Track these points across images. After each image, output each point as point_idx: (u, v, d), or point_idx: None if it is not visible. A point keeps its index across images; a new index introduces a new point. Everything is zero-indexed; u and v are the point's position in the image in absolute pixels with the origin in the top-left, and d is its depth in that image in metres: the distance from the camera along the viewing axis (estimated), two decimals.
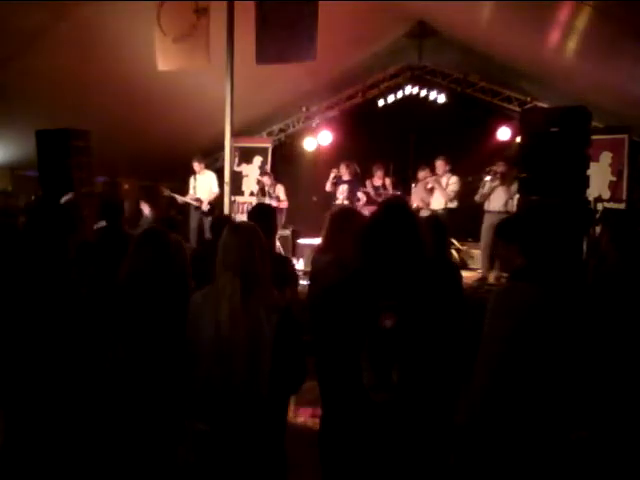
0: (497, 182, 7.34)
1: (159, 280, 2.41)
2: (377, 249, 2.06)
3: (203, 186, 8.67)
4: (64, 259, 2.59)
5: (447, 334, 2.04)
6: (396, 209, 2.16)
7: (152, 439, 2.36)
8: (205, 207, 8.57)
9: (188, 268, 2.56)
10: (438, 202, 7.88)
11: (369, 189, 8.77)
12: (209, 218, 8.50)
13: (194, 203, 8.61)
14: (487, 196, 7.43)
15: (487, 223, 7.47)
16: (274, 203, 8.56)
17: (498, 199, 7.37)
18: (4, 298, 2.47)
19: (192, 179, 8.75)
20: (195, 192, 8.68)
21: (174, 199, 8.86)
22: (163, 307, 2.39)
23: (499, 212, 7.25)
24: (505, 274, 2.76)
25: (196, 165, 8.66)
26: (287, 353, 2.21)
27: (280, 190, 8.90)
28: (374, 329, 1.95)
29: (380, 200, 8.52)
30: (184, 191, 8.83)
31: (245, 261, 2.21)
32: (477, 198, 7.60)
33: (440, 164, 7.91)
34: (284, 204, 8.87)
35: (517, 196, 7.34)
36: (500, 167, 7.41)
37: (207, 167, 8.96)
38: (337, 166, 8.86)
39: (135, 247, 2.49)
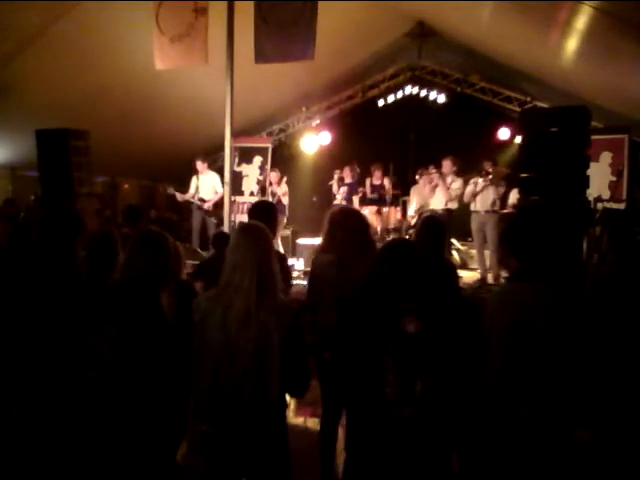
0: (487, 182, 7.37)
1: (154, 280, 2.40)
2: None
3: (206, 186, 8.69)
4: (73, 260, 2.60)
5: (458, 338, 2.04)
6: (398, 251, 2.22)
7: (156, 441, 2.35)
8: (207, 206, 8.61)
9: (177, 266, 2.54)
10: (438, 201, 7.89)
11: (367, 188, 8.79)
12: (212, 218, 8.55)
13: (198, 203, 8.65)
14: (474, 197, 7.46)
15: (475, 223, 7.52)
16: (280, 197, 8.67)
17: (486, 199, 7.39)
18: (14, 301, 2.48)
19: (194, 178, 8.77)
20: (198, 192, 8.71)
21: (174, 198, 8.89)
22: (158, 307, 2.38)
23: (486, 212, 7.32)
24: (505, 274, 2.76)
25: (199, 164, 8.68)
26: (295, 355, 2.19)
27: (284, 185, 8.98)
28: (398, 335, 1.94)
29: (378, 199, 8.60)
30: (184, 191, 8.85)
31: (260, 261, 2.18)
32: (465, 198, 7.63)
33: (447, 164, 7.91)
34: (286, 199, 8.93)
35: (513, 195, 7.39)
36: (489, 167, 7.43)
37: (208, 167, 8.98)
38: (337, 166, 8.88)
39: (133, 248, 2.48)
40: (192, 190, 8.72)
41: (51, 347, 2.41)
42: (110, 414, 2.30)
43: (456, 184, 7.77)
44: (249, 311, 2.13)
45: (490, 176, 7.35)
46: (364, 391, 2.10)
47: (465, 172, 8.09)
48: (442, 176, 7.89)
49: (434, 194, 8.00)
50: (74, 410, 2.38)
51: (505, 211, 7.48)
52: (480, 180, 7.44)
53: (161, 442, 2.36)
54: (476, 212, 7.49)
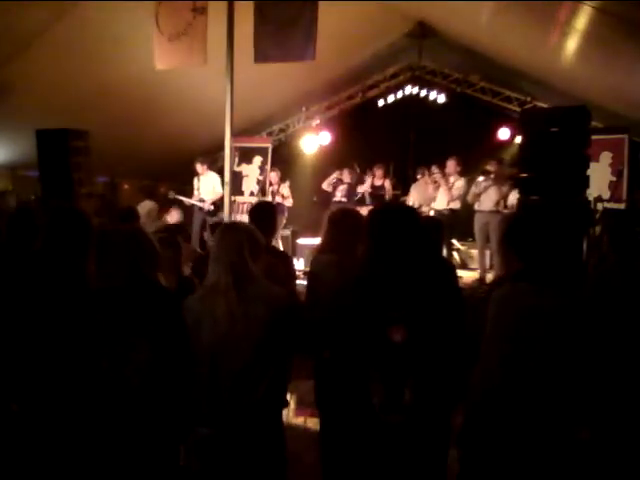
0: (490, 182, 7.36)
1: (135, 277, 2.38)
2: (381, 253, 2.04)
3: (206, 187, 8.78)
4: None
5: (452, 340, 2.02)
6: (396, 213, 2.16)
7: (154, 444, 2.34)
8: (207, 207, 8.67)
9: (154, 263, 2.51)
10: (441, 201, 7.89)
11: (368, 189, 8.79)
12: (213, 219, 8.60)
13: (199, 204, 8.71)
14: (478, 196, 7.44)
15: (478, 223, 7.51)
16: (280, 200, 8.68)
17: (489, 199, 7.38)
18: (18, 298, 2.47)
19: (196, 180, 8.87)
20: (199, 193, 8.78)
21: (174, 202, 8.90)
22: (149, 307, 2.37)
23: (490, 212, 7.30)
24: (504, 275, 2.75)
25: (199, 167, 8.77)
26: (299, 322, 2.21)
27: (286, 187, 8.97)
28: (384, 344, 1.91)
29: (377, 199, 8.60)
30: (187, 192, 8.92)
31: (235, 259, 2.22)
32: (469, 198, 7.62)
33: (451, 164, 7.91)
34: (289, 201, 8.93)
35: (512, 195, 7.38)
36: (493, 167, 7.42)
37: (208, 167, 9.03)
38: (337, 166, 8.89)
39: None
40: (196, 192, 8.82)
41: (58, 348, 2.41)
42: (111, 412, 2.29)
43: (459, 183, 7.77)
44: (231, 308, 2.15)
45: (492, 175, 7.34)
46: (350, 397, 2.08)
47: (466, 172, 8.09)
48: (444, 176, 7.89)
49: (436, 194, 8.00)
50: (76, 410, 2.38)
51: (507, 211, 7.47)
52: (481, 179, 7.44)
53: (162, 443, 2.36)
54: (480, 212, 7.48)
